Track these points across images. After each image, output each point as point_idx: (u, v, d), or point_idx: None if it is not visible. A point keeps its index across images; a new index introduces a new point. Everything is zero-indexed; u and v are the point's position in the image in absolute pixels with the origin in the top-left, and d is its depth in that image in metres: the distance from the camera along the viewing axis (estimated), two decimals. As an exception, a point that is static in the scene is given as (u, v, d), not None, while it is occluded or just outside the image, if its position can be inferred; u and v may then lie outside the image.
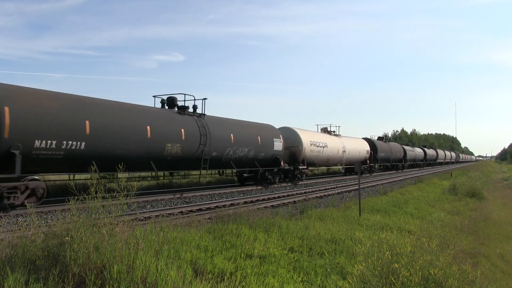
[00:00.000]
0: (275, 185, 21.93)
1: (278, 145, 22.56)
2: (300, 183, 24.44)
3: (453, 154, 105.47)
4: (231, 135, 18.88)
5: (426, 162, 65.82)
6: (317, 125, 33.66)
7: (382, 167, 45.95)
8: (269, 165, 21.94)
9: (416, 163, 59.53)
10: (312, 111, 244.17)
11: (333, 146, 29.78)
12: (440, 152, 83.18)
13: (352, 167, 35.75)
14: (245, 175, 21.05)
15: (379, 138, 46.24)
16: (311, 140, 26.27)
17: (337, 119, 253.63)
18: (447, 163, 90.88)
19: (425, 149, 67.25)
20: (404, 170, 50.32)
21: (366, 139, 40.25)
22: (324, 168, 35.06)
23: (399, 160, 49.05)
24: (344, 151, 31.72)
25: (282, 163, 22.42)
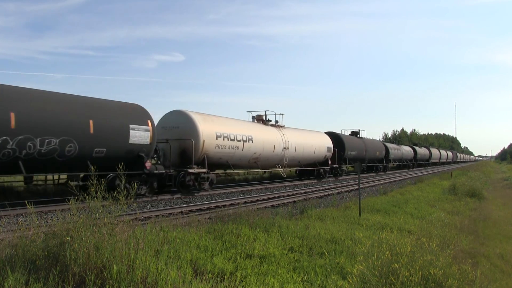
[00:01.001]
0: (146, 198, 14.61)
1: (141, 135, 14.21)
2: (201, 193, 16.97)
3: (450, 153, 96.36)
4: (11, 114, 10.89)
5: (417, 162, 57.64)
6: (249, 112, 23.75)
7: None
8: (126, 167, 13.14)
9: (403, 164, 52.05)
10: (312, 111, 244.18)
11: (265, 140, 21.11)
12: (434, 151, 73.87)
13: (306, 170, 27.31)
14: (73, 183, 12.63)
15: (353, 133, 37.54)
16: (219, 131, 17.82)
17: (337, 118, 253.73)
18: (442, 163, 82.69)
19: (416, 147, 58.93)
20: (387, 172, 42.65)
21: (329, 133, 30.98)
22: (259, 172, 25.38)
23: (380, 160, 40.77)
24: (285, 148, 22.94)
25: (147, 163, 14.34)
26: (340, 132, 33.84)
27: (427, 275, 5.00)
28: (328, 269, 6.20)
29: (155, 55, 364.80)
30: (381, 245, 6.11)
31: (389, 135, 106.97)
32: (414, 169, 55.84)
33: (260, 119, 23.49)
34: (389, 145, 45.02)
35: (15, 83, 12.30)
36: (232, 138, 18.62)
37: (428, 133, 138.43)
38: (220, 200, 15.11)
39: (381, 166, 41.64)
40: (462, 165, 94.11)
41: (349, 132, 37.42)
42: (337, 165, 29.95)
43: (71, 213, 5.54)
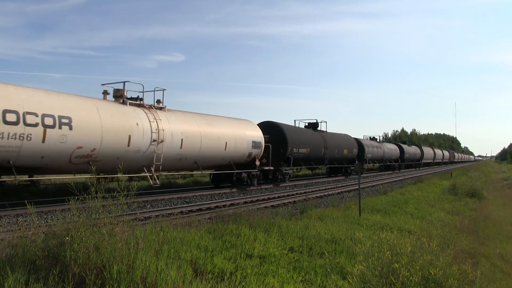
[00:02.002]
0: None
1: None
2: None
3: (446, 153, 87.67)
4: None
5: (404, 163, 49.61)
6: (104, 84, 15.21)
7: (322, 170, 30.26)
8: None
9: (386, 165, 44.56)
10: (313, 112, 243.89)
11: (106, 125, 13.03)
12: (427, 150, 65.32)
13: (226, 174, 19.03)
14: None
15: (311, 125, 28.74)
16: None
17: (337, 119, 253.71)
18: (438, 163, 74.14)
19: (403, 145, 50.44)
20: (362, 176, 33.72)
21: (265, 123, 23.08)
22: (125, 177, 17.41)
23: (350, 160, 32.43)
24: (157, 140, 14.65)
25: None
26: (294, 124, 25.33)
27: (427, 275, 5.00)
28: (328, 269, 6.20)
29: (155, 55, 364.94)
30: (381, 245, 6.10)
31: (389, 135, 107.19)
32: (401, 171, 47.78)
33: (120, 96, 14.93)
34: (364, 141, 37.08)
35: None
36: (14, 120, 10.61)
37: (428, 133, 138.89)
38: (220, 200, 15.11)
39: (352, 167, 32.67)
40: (461, 165, 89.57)
41: (305, 124, 28.92)
42: (271, 167, 21.52)
43: (71, 213, 5.54)
